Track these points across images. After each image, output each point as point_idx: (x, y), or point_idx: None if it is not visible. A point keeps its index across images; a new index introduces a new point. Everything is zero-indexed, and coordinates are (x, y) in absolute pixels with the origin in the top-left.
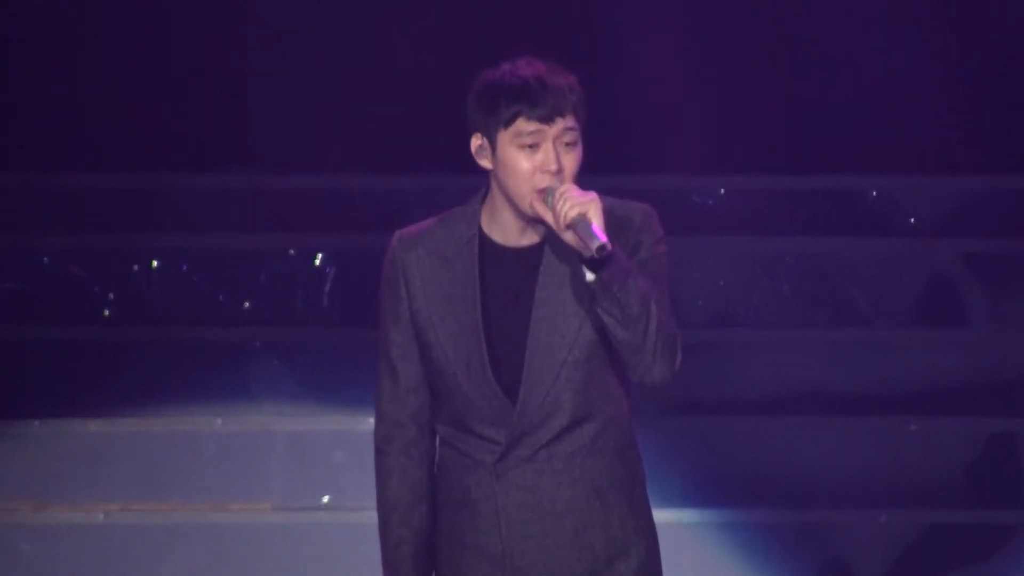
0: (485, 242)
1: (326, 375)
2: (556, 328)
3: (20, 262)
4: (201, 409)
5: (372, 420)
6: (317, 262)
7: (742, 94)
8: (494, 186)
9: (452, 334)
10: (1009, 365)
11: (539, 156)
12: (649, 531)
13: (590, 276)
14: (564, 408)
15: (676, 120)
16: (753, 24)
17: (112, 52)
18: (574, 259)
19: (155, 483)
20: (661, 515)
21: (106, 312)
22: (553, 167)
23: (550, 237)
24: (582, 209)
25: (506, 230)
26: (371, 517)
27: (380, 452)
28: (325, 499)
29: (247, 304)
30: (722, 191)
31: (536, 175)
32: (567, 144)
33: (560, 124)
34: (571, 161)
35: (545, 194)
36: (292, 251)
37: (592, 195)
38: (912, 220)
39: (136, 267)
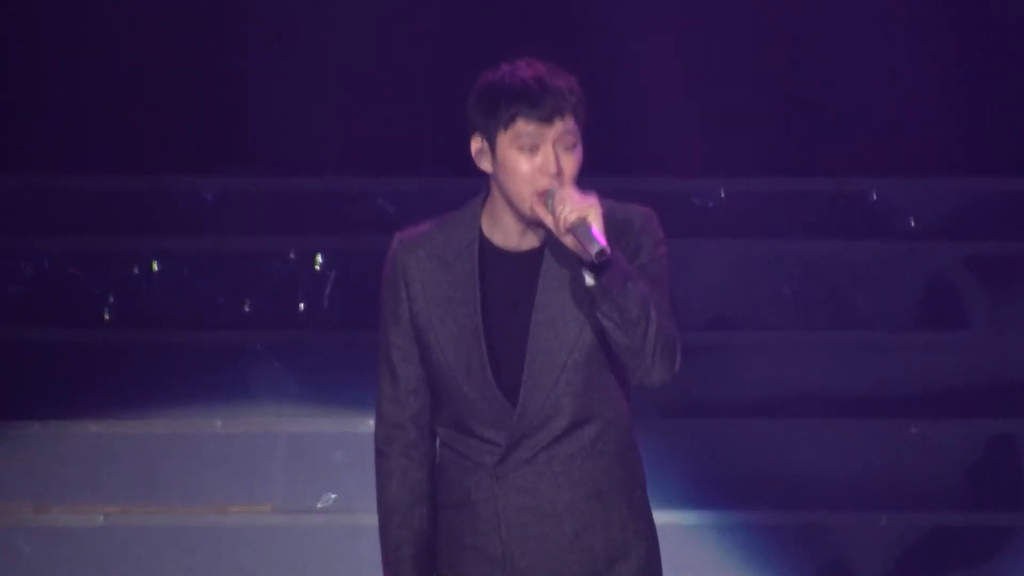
0: (485, 245)
1: (326, 377)
2: (556, 331)
3: (20, 264)
4: (201, 411)
5: (372, 422)
6: (317, 264)
7: (742, 95)
8: (494, 189)
9: (452, 336)
10: (1009, 367)
11: (538, 158)
12: (649, 533)
13: (589, 280)
14: (564, 411)
15: (676, 122)
16: (753, 24)
17: (112, 52)
18: (574, 262)
19: (155, 485)
20: (661, 517)
21: (106, 314)
22: (552, 169)
23: (550, 240)
24: (582, 213)
25: (506, 233)
26: (371, 519)
27: (380, 454)
28: (326, 501)
29: (247, 306)
30: (722, 193)
31: (536, 177)
32: (567, 146)
33: (560, 126)
34: (571, 163)
35: (545, 197)
36: (292, 253)
37: (592, 199)
38: (912, 222)
39: (136, 269)
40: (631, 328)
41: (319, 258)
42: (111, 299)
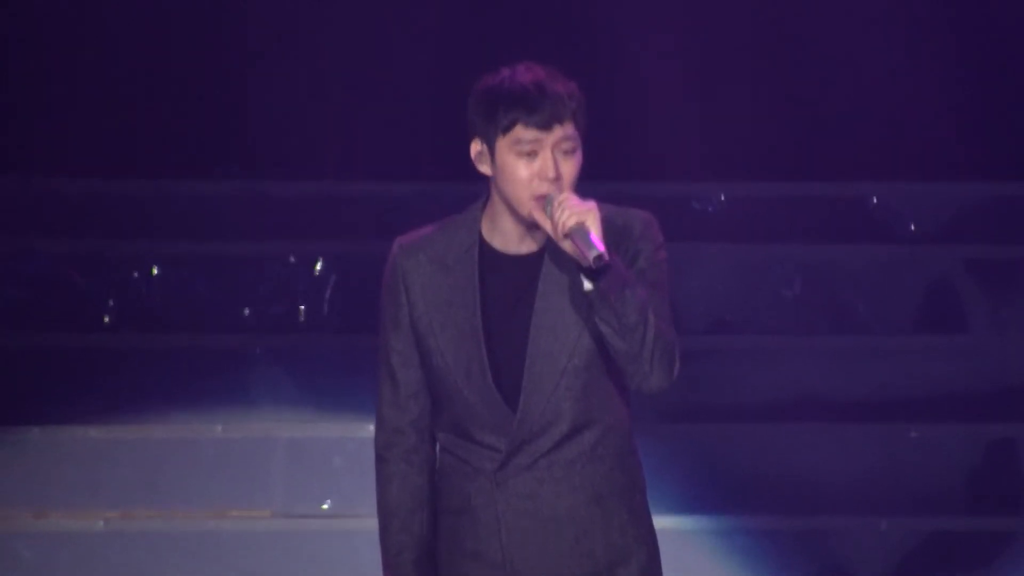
0: (485, 249)
1: (326, 381)
2: (556, 336)
3: (20, 268)
4: (201, 415)
5: (372, 427)
6: (317, 269)
7: (742, 98)
8: (494, 193)
9: (452, 340)
10: (1009, 371)
11: (537, 163)
12: (649, 538)
13: (588, 285)
14: (564, 416)
15: (676, 125)
16: (753, 24)
17: (112, 52)
18: (574, 267)
19: (155, 490)
20: (661, 522)
21: (106, 318)
22: (551, 174)
23: (550, 244)
24: (580, 218)
25: (506, 237)
26: (372, 524)
27: (380, 459)
28: (325, 506)
29: (247, 310)
30: (722, 197)
31: (534, 182)
32: (566, 151)
33: (559, 131)
34: (570, 168)
35: (544, 202)
36: (292, 257)
37: (591, 204)
38: (912, 226)
39: (136, 273)
40: (629, 333)
41: (319, 262)
42: (111, 303)
